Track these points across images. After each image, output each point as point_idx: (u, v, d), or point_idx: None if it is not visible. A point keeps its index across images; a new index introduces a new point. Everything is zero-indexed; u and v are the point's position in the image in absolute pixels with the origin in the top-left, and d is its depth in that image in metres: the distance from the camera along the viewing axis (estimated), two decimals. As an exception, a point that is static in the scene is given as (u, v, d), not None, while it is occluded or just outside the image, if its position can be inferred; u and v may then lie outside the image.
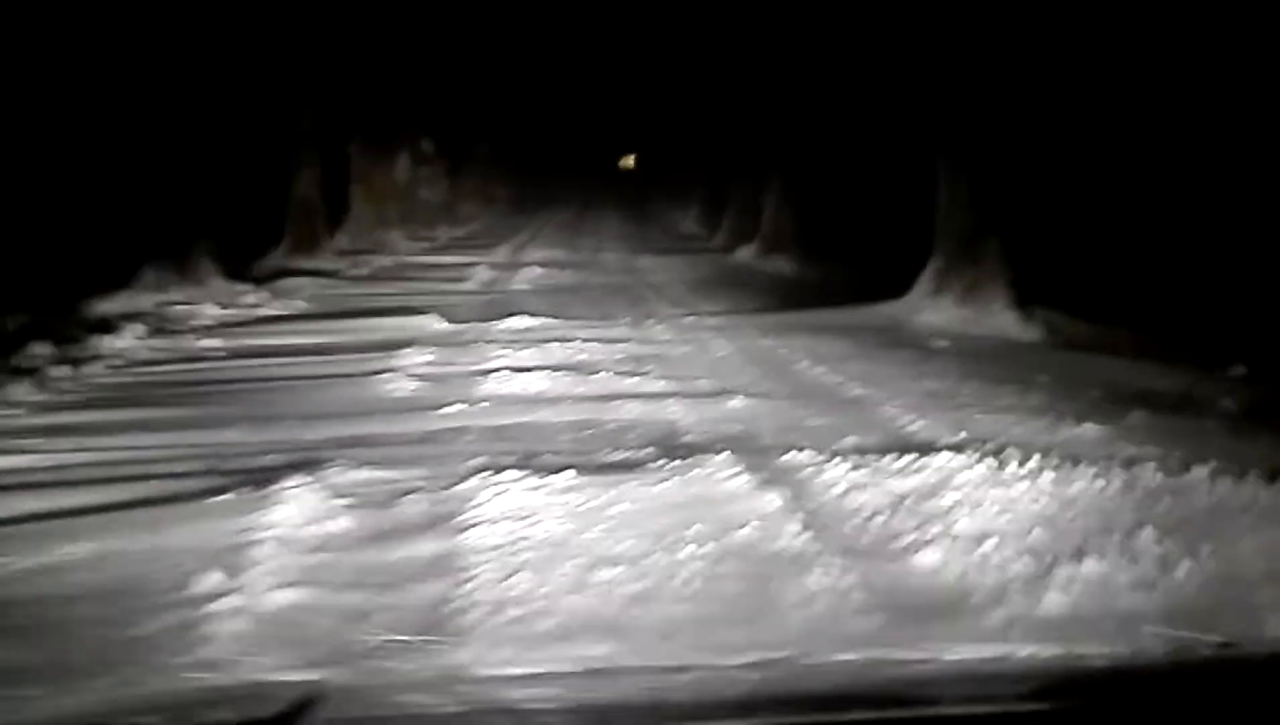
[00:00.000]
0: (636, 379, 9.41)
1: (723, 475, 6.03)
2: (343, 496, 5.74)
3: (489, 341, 11.74)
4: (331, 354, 11.12)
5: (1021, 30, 12.86)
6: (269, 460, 6.60)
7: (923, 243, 14.42)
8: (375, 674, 3.23)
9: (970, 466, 6.02)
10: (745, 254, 25.31)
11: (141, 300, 14.52)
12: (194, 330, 12.77)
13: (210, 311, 14.02)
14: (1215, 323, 11.27)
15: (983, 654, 3.54)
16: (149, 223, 15.63)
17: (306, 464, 6.32)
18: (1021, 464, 6.02)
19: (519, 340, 11.68)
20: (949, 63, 13.85)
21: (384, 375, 9.70)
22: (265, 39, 18.77)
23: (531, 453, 6.68)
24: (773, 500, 5.64)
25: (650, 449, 6.79)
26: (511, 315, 13.40)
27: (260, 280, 17.43)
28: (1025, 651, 3.72)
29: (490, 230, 33.26)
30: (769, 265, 23.53)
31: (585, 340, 11.37)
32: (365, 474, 6.17)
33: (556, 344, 11.16)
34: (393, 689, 2.12)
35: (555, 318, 13.33)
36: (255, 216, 20.51)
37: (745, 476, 5.99)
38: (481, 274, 19.94)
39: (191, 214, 16.36)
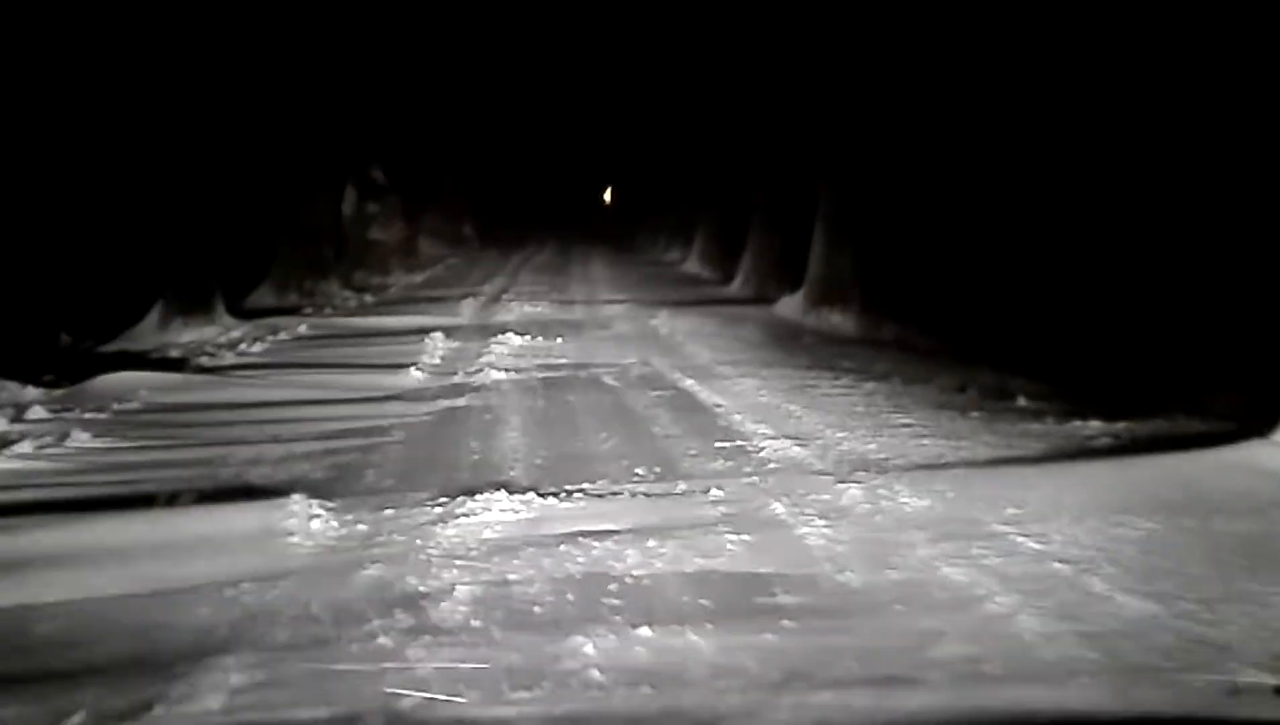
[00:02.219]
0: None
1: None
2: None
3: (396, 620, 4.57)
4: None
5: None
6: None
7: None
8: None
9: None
10: (789, 307, 18.38)
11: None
12: None
13: None
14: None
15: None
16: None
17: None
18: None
19: (482, 600, 4.71)
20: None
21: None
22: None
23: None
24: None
25: None
26: (475, 494, 6.18)
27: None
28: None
29: (456, 275, 26.11)
30: (830, 324, 16.73)
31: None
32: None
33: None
34: None
35: (569, 495, 6.30)
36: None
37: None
38: (435, 348, 12.92)
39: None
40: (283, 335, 14.49)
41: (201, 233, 16.00)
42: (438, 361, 12.02)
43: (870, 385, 10.59)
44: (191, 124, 15.67)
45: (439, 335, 13.96)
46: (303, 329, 15.20)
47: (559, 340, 14.07)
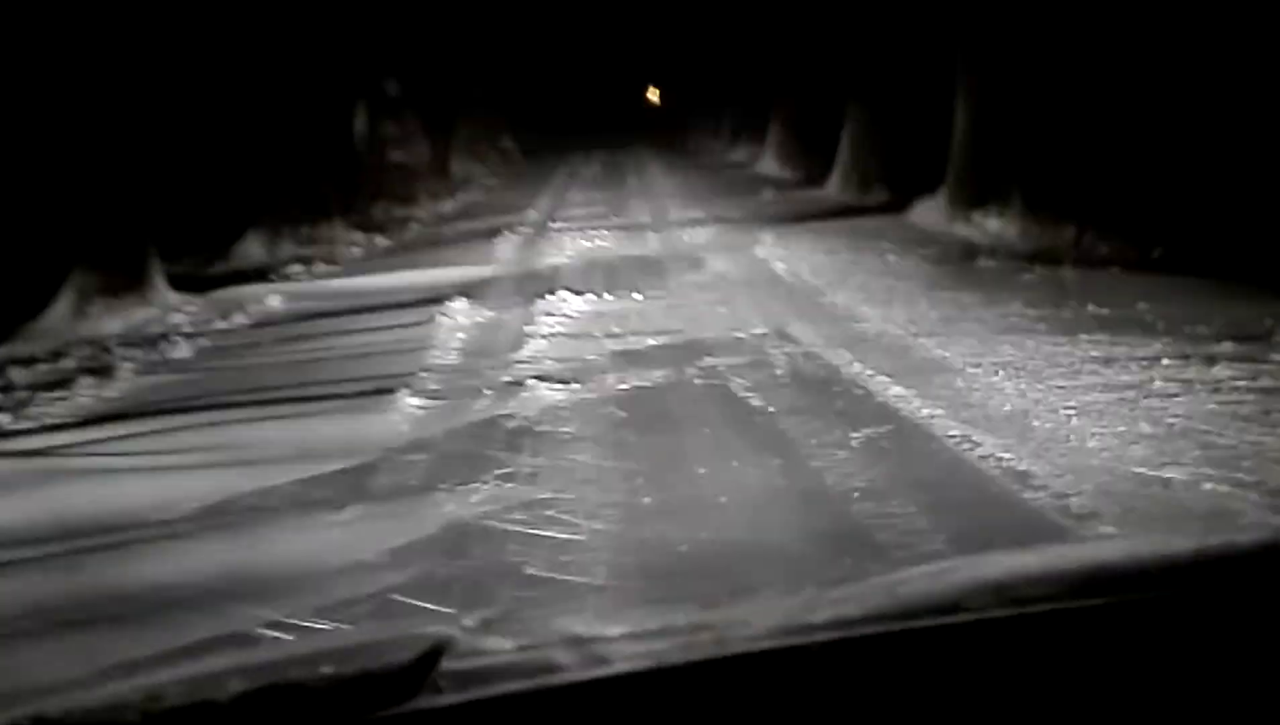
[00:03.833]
0: None
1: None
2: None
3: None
4: None
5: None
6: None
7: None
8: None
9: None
10: (928, 213, 13.46)
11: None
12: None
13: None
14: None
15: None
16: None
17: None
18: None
19: None
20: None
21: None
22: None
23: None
24: None
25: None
26: None
27: None
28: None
29: (492, 199, 21.16)
30: (989, 233, 11.94)
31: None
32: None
33: None
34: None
35: None
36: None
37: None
38: (451, 331, 8.12)
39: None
40: (238, 319, 9.62)
41: (135, 172, 11.17)
42: (450, 364, 7.14)
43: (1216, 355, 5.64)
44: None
45: (461, 303, 9.12)
46: (273, 304, 10.34)
47: (637, 297, 9.19)
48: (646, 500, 4.41)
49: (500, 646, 1.39)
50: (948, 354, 6.34)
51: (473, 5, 27.45)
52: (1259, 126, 10.37)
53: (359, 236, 16.02)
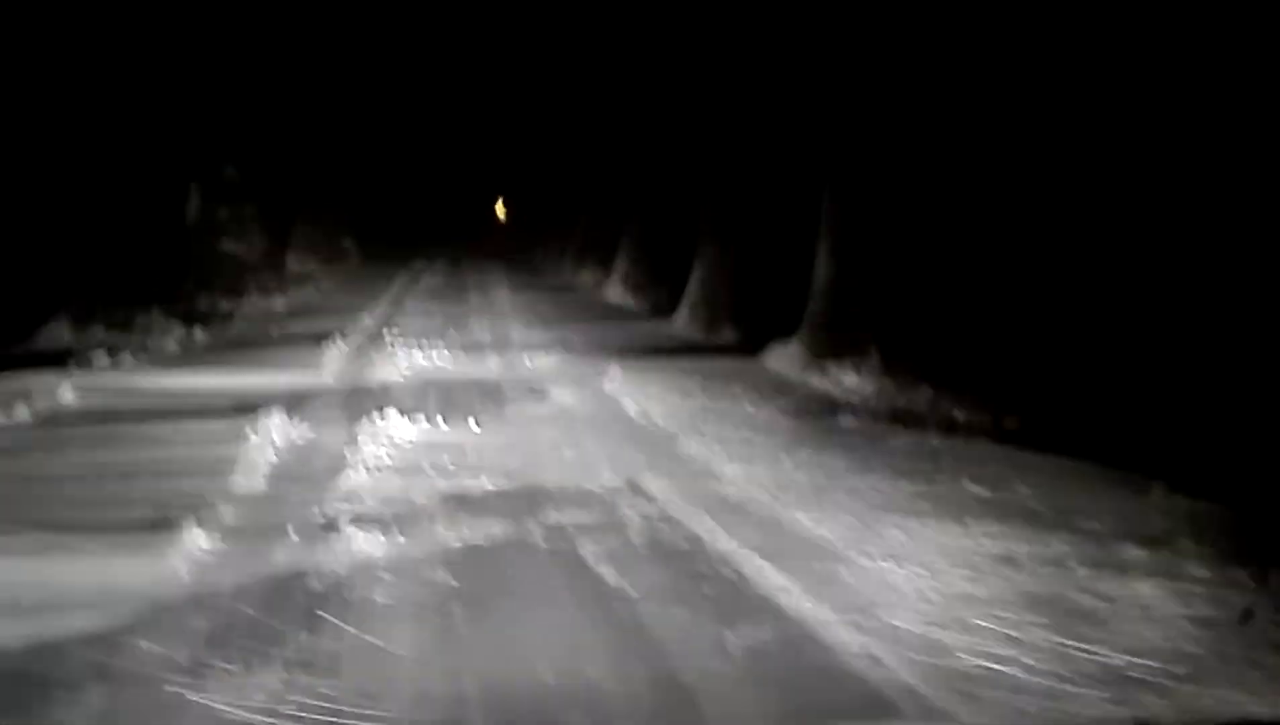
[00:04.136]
0: None
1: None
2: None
3: None
4: None
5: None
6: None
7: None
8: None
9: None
10: (783, 359, 12.92)
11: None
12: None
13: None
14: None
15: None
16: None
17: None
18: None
19: None
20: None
21: None
22: None
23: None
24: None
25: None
26: None
27: None
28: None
29: (327, 301, 20.08)
30: (844, 387, 11.44)
31: None
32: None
33: None
34: None
35: None
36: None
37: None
38: (260, 453, 7.12)
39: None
40: (19, 413, 8.38)
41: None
42: (255, 493, 6.12)
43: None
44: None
45: (278, 418, 8.09)
46: (64, 398, 9.15)
47: (474, 428, 8.29)
48: (477, 720, 3.48)
49: None
50: (827, 534, 5.56)
51: (320, 98, 26.51)
52: (1124, 293, 10.05)
53: (178, 328, 14.79)
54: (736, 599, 4.57)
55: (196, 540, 5.11)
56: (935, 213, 11.78)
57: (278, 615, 4.24)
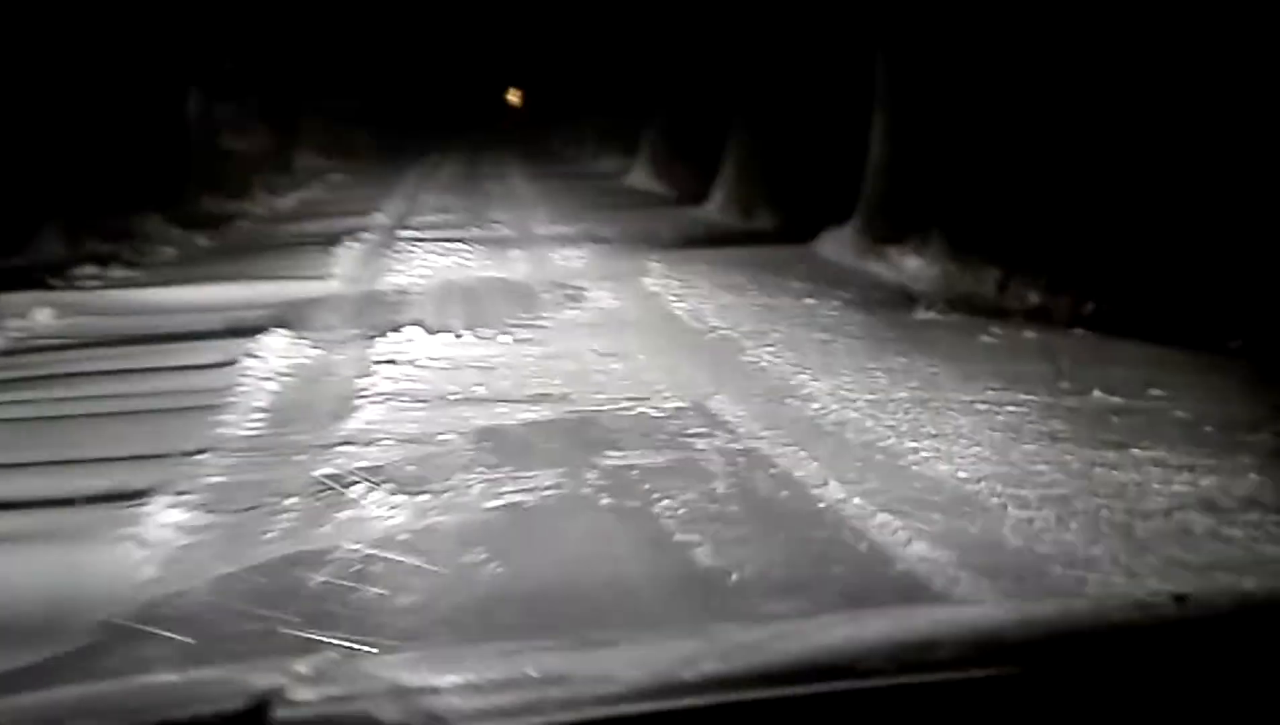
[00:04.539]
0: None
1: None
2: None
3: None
4: None
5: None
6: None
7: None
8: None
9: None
10: (836, 246, 11.71)
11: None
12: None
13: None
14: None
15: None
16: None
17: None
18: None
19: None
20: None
21: None
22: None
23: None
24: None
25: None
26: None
27: None
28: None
29: (338, 197, 18.80)
30: (906, 274, 10.22)
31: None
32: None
33: None
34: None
35: None
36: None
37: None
38: (255, 388, 5.92)
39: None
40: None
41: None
42: (245, 441, 4.94)
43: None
44: None
45: (279, 338, 6.92)
46: (39, 319, 7.97)
47: (505, 340, 7.10)
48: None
49: None
50: (963, 473, 4.38)
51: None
52: (1203, 171, 8.79)
53: (177, 234, 13.59)
54: (879, 587, 3.40)
55: (167, 514, 3.96)
56: (999, 82, 10.51)
57: (269, 628, 3.10)
